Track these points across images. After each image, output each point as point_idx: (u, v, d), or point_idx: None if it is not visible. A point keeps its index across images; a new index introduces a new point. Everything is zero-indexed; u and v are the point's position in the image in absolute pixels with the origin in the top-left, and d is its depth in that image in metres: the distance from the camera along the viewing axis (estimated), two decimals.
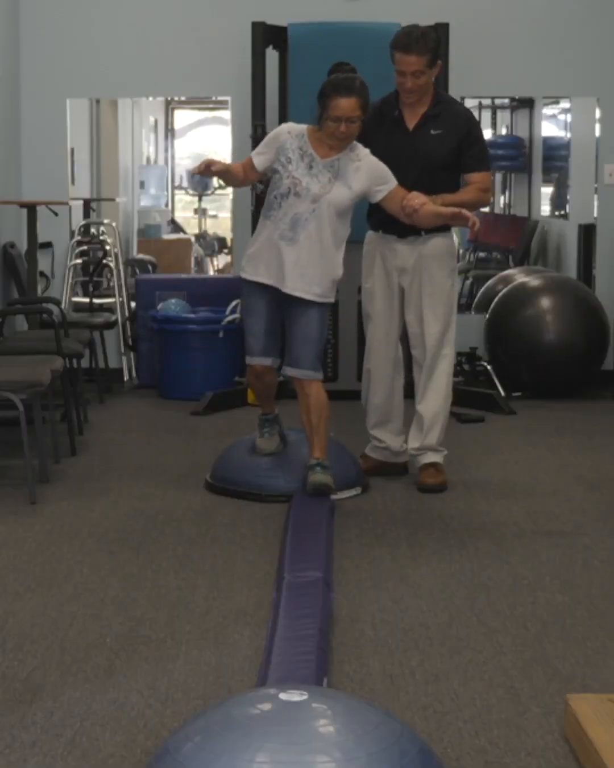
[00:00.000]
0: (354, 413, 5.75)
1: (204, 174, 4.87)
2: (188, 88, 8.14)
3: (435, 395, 5.30)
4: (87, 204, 8.73)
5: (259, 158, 4.93)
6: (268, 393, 5.23)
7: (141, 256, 9.41)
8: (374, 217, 5.24)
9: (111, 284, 8.29)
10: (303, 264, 4.86)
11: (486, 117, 9.30)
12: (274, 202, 4.90)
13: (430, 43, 5.09)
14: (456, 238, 5.41)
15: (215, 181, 9.68)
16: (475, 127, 5.31)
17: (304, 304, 4.92)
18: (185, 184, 10.57)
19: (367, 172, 4.90)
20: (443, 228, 5.17)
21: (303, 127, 4.94)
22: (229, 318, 7.45)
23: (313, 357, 4.97)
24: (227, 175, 4.99)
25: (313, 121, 4.90)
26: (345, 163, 4.88)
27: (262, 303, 4.98)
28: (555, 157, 9.07)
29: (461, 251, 9.05)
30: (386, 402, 5.39)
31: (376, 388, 5.39)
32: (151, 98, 9.02)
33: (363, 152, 4.93)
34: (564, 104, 8.71)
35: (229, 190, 8.32)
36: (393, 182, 4.92)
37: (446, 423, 5.38)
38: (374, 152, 4.96)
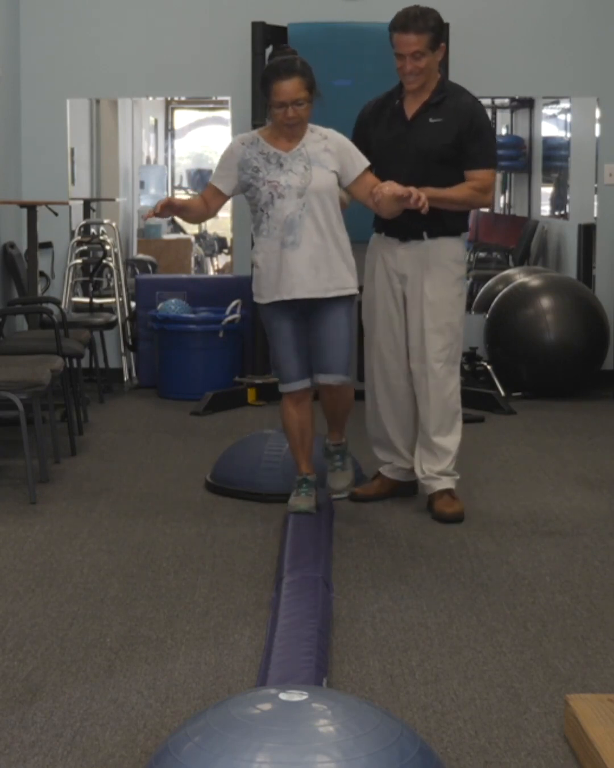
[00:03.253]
0: (355, 413, 5.74)
1: (162, 215, 4.56)
2: (188, 88, 8.14)
3: (444, 417, 4.87)
4: (87, 204, 8.73)
5: (222, 182, 4.64)
6: (303, 431, 4.73)
7: (141, 256, 9.39)
8: (378, 218, 4.87)
9: (111, 284, 8.29)
10: (314, 264, 4.57)
11: None
12: (261, 215, 4.61)
13: (431, 21, 4.68)
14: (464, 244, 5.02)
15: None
16: (479, 118, 4.81)
17: (326, 306, 4.63)
18: (185, 184, 10.55)
19: (337, 150, 4.59)
20: (450, 232, 4.86)
21: (253, 133, 4.70)
22: (229, 318, 7.45)
23: (345, 360, 4.68)
24: (185, 212, 4.74)
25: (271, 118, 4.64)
26: (312, 146, 4.58)
27: (287, 324, 4.64)
28: (555, 157, 9.06)
29: None
30: (407, 424, 5.00)
31: (393, 412, 5.02)
32: (151, 98, 9.01)
33: (327, 130, 4.64)
34: (564, 104, 8.70)
35: None
36: (363, 163, 4.60)
37: (458, 445, 4.92)
38: (372, 145, 4.77)
